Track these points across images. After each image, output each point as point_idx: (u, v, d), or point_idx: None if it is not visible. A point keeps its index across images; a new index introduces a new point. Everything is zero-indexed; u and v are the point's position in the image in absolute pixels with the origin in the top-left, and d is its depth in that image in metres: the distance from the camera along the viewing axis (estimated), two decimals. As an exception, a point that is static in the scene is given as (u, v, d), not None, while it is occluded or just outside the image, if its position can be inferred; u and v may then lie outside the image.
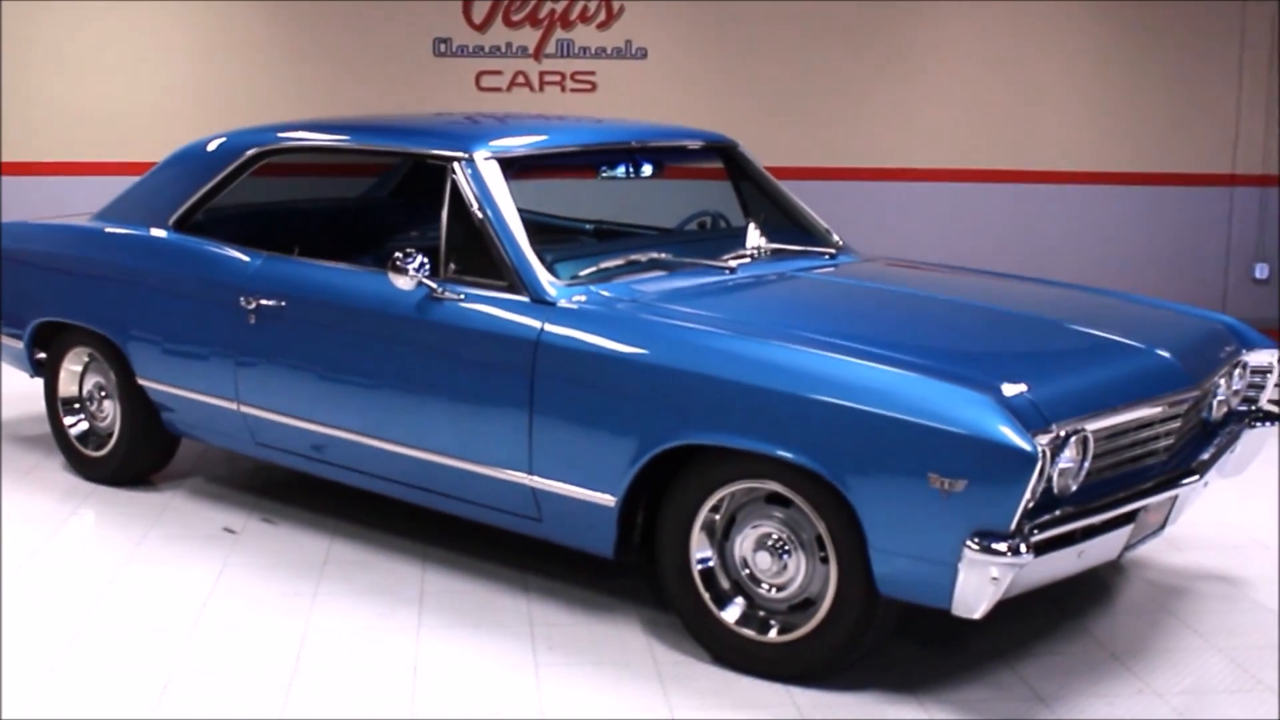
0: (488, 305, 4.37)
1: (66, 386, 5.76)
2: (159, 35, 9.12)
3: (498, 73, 9.36)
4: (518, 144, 4.74)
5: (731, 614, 3.98)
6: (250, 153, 5.22)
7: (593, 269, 4.48)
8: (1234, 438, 4.55)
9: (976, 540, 3.43)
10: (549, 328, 4.21)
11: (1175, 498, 4.07)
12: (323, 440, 4.84)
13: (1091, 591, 4.65)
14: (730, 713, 3.75)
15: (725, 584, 4.01)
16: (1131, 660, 4.12)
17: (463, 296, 4.42)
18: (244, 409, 5.02)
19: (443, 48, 9.30)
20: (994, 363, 3.89)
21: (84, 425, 5.75)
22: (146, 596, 4.54)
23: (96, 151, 9.01)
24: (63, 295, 5.62)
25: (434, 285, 4.43)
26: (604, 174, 5.13)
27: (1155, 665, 4.09)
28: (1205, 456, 4.21)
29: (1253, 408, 4.72)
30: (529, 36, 9.34)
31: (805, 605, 3.88)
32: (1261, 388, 4.75)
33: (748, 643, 3.96)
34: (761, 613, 3.97)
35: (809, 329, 4.02)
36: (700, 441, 3.89)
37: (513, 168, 4.61)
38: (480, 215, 4.46)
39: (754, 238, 5.09)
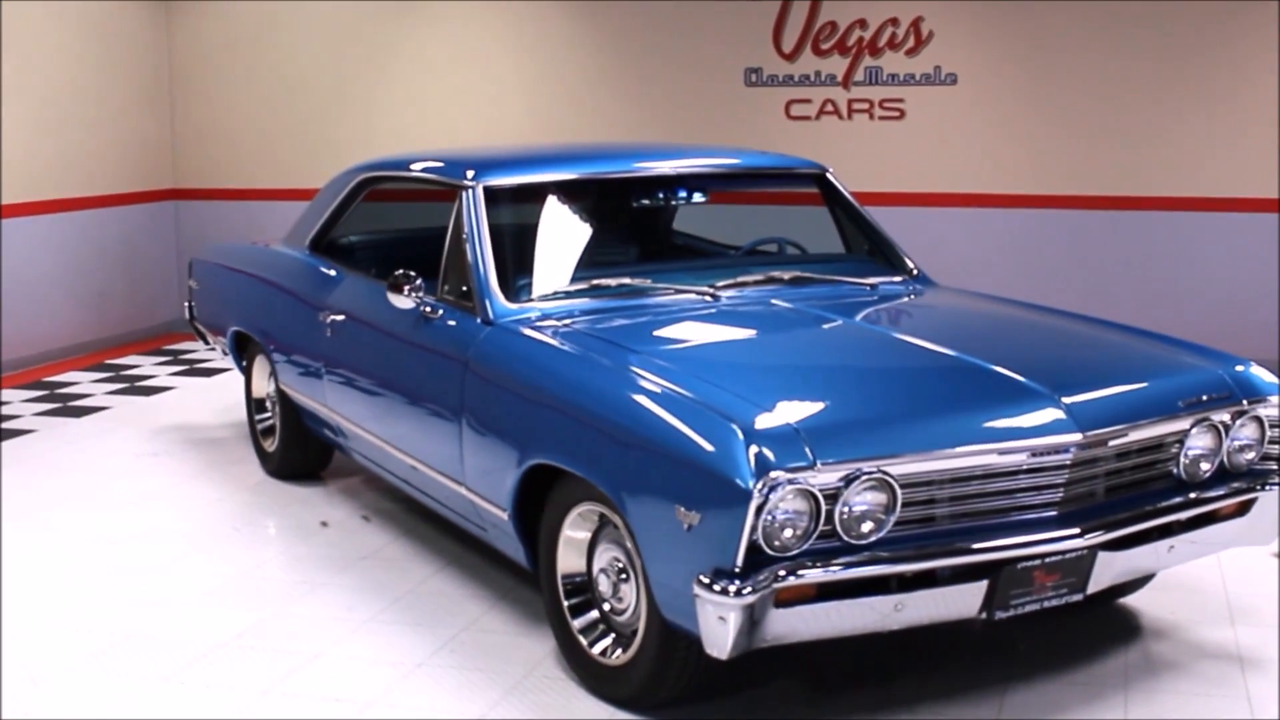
0: (453, 323, 4.63)
1: (258, 387, 6.52)
2: (489, 64, 9.89)
3: (807, 101, 9.41)
4: (523, 175, 4.94)
5: (578, 624, 4.04)
6: (357, 180, 5.76)
7: (547, 292, 4.62)
8: (1238, 498, 4.04)
9: (706, 577, 3.33)
10: (478, 346, 4.42)
11: (1084, 558, 3.70)
12: (370, 448, 5.26)
13: (1066, 654, 4.25)
14: (529, 728, 3.82)
15: (587, 600, 4.06)
16: (1014, 732, 3.78)
17: (440, 314, 4.71)
18: (332, 415, 5.53)
19: (754, 78, 9.47)
20: (801, 399, 3.68)
21: (269, 423, 6.48)
22: (194, 571, 5.13)
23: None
24: (240, 306, 6.39)
25: (423, 304, 4.74)
26: (642, 202, 5.29)
27: (1033, 740, 3.73)
28: (1113, 519, 3.75)
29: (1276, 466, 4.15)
30: (838, 65, 9.33)
31: (641, 631, 3.87)
32: (1286, 444, 4.16)
33: (584, 656, 4.01)
34: (617, 634, 3.98)
35: (669, 357, 4.04)
36: (542, 461, 3.98)
37: (510, 197, 4.85)
38: (466, 240, 4.72)
39: (790, 265, 5.12)
